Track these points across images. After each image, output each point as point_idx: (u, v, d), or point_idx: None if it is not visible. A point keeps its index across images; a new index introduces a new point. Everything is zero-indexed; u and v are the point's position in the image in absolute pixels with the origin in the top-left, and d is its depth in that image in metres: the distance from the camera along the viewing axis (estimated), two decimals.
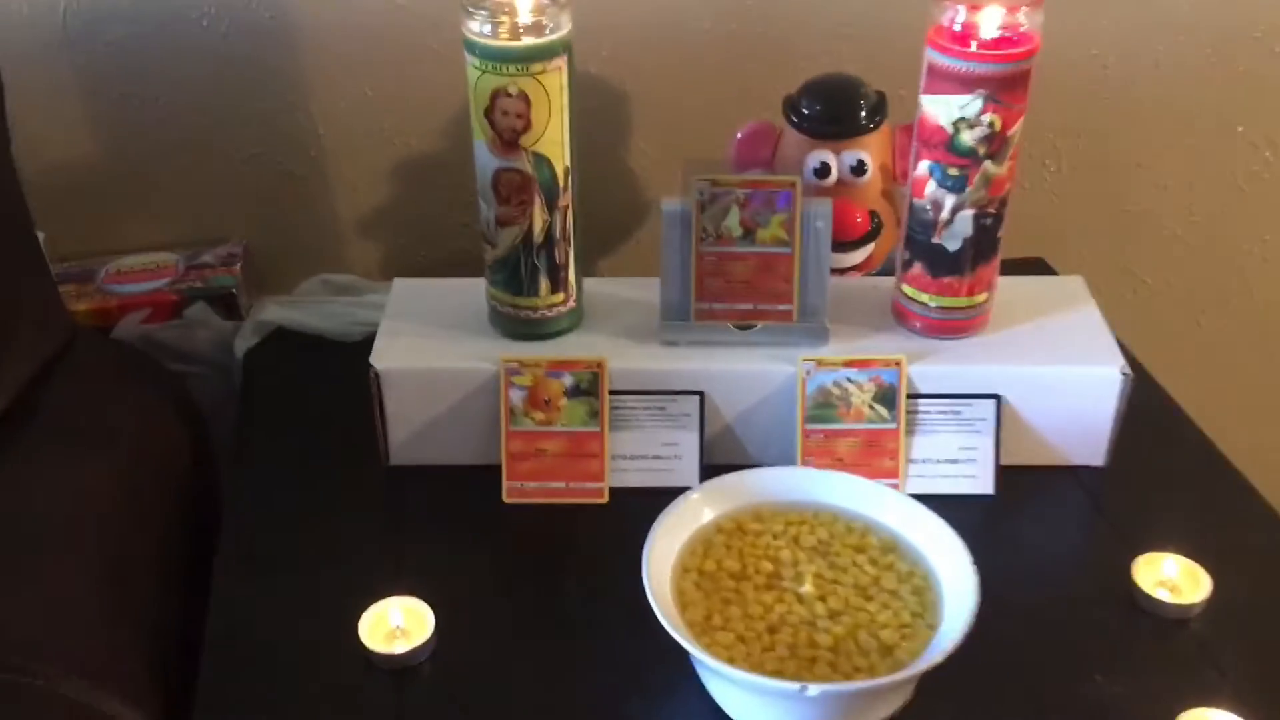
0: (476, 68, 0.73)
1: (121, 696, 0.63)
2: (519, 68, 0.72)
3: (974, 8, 0.72)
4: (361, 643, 0.66)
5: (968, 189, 0.76)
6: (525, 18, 0.72)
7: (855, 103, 0.89)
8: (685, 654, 0.61)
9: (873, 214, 0.91)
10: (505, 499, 0.77)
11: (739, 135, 0.92)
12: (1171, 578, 0.73)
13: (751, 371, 0.79)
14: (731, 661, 0.61)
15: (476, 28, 0.73)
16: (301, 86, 0.99)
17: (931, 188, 0.77)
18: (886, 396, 0.80)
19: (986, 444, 0.80)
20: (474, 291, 0.83)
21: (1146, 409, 0.82)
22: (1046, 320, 0.84)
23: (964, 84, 0.73)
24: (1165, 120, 1.13)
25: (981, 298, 0.81)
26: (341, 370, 0.84)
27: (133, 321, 0.94)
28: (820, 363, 0.79)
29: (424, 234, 1.06)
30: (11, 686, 0.59)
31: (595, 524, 0.77)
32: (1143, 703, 0.65)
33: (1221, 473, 0.83)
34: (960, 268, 0.79)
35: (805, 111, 0.90)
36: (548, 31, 0.72)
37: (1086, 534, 0.80)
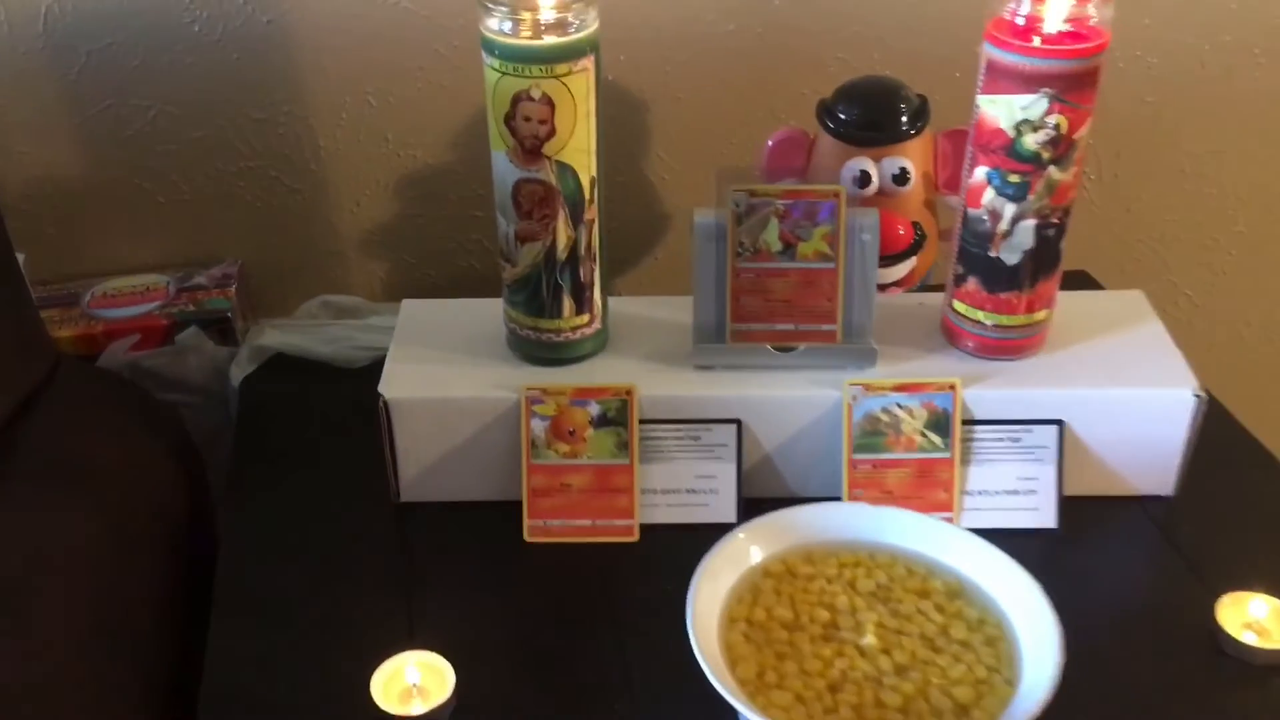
0: (496, 69, 0.68)
1: None
2: (542, 69, 0.67)
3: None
4: (374, 703, 0.62)
5: (1029, 197, 0.71)
6: (548, 14, 0.67)
7: (896, 107, 0.84)
8: (735, 715, 0.56)
9: (915, 225, 0.86)
10: (527, 538, 0.74)
11: (769, 143, 0.88)
12: (1259, 619, 0.67)
13: (792, 397, 0.74)
14: None
15: (495, 25, 0.67)
16: (300, 95, 0.95)
17: (989, 196, 0.72)
18: (940, 423, 0.74)
19: (1048, 473, 0.75)
20: (490, 313, 0.79)
21: (1208, 431, 0.77)
22: (1108, 338, 0.79)
23: (1027, 82, 0.67)
24: (1211, 123, 1.08)
25: (1041, 315, 0.76)
26: (345, 399, 0.81)
27: (120, 349, 0.91)
28: (868, 387, 0.74)
29: (432, 252, 1.03)
30: None
31: (625, 564, 0.73)
32: None
33: None
34: (1019, 282, 0.74)
35: (843, 116, 0.85)
36: (573, 29, 0.67)
37: (1161, 571, 0.74)
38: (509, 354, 0.77)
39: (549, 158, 0.70)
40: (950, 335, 0.78)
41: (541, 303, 0.75)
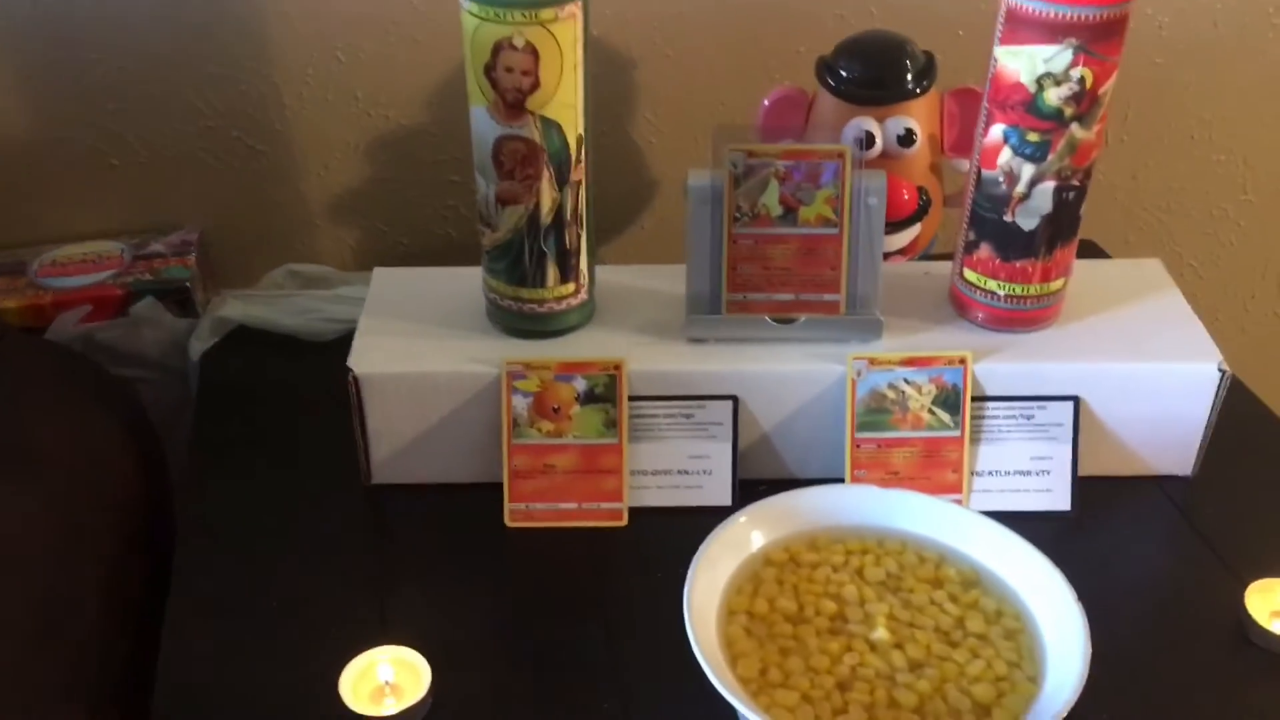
0: (474, 15, 0.64)
1: None
2: (526, 15, 0.63)
3: None
4: (343, 703, 0.58)
5: (1049, 157, 0.67)
6: None
7: (901, 64, 0.81)
8: (735, 716, 0.53)
9: (921, 190, 0.82)
10: (508, 523, 0.71)
11: (766, 102, 0.84)
12: None
13: (792, 372, 0.71)
14: None
15: None
16: (263, 49, 0.91)
17: (1006, 156, 0.67)
18: (949, 399, 0.70)
19: (1063, 452, 0.72)
20: (468, 282, 0.75)
21: (1225, 408, 0.73)
22: (1126, 309, 0.76)
23: (1051, 32, 0.63)
24: (1223, 88, 1.05)
25: (1058, 284, 0.72)
26: (313, 375, 0.78)
27: (70, 320, 0.86)
28: (873, 361, 0.70)
29: (405, 218, 0.99)
30: None
31: (613, 551, 0.70)
32: None
33: None
34: (1035, 249, 0.70)
35: (845, 74, 0.81)
36: None
37: (1182, 556, 0.71)
38: (488, 326, 0.74)
39: (532, 113, 0.66)
40: (959, 306, 0.75)
41: (524, 271, 0.71)
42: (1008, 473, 0.71)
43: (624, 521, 0.70)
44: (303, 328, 0.86)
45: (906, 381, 0.70)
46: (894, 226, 0.81)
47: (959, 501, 0.70)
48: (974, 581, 0.61)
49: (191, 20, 0.88)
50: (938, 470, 0.71)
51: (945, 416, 0.71)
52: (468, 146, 0.69)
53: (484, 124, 0.67)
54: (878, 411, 0.70)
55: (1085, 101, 0.65)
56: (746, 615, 0.58)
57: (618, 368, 0.70)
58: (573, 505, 0.70)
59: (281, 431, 0.78)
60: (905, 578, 0.61)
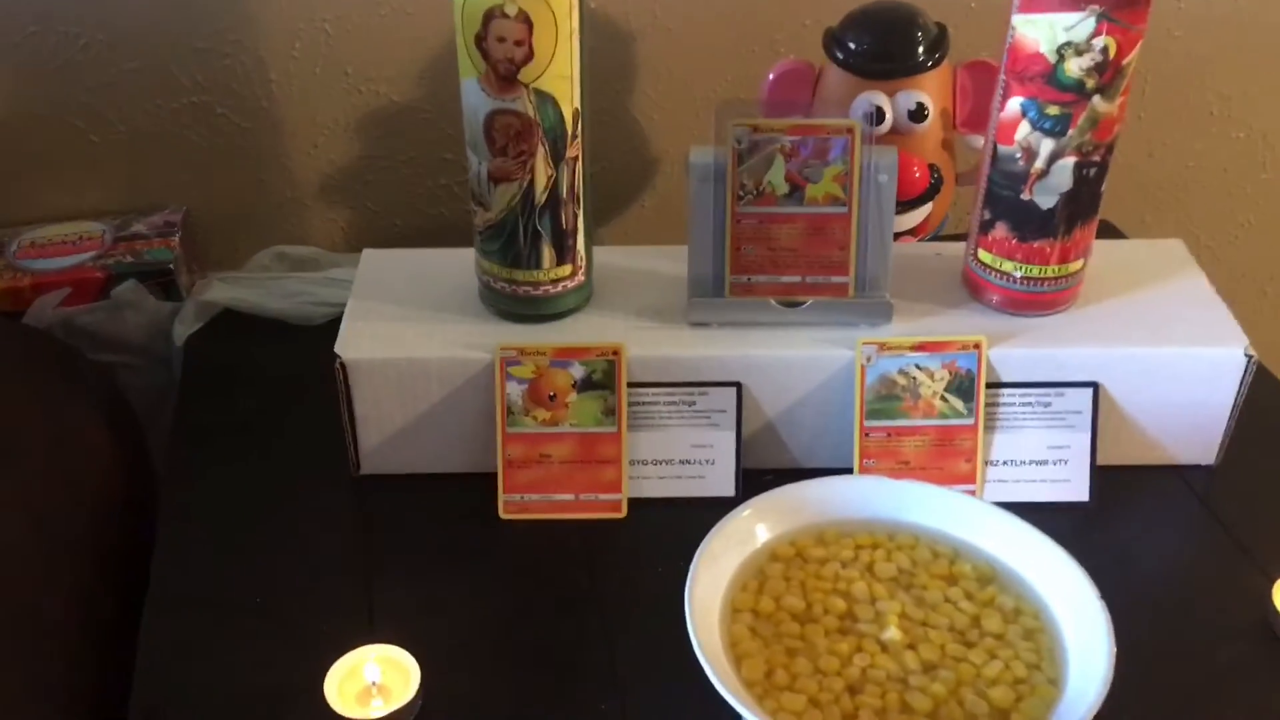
0: None
1: None
2: None
3: None
4: (328, 705, 0.56)
5: (1070, 131, 0.64)
6: None
7: (913, 35, 0.78)
8: None
9: (932, 167, 0.79)
10: (502, 515, 0.69)
11: (770, 76, 0.82)
12: None
13: (799, 358, 0.69)
14: None
15: None
16: (247, 21, 0.88)
17: (1024, 131, 0.64)
18: (962, 386, 0.68)
19: (1081, 441, 0.69)
20: (461, 264, 0.73)
21: (1249, 395, 0.71)
22: (1147, 292, 0.73)
23: None
24: (1243, 61, 1.02)
25: (1076, 265, 0.69)
26: (301, 360, 0.75)
27: (49, 304, 0.85)
28: (883, 346, 0.68)
29: (397, 198, 0.97)
30: None
31: (612, 544, 0.68)
32: None
33: None
34: (1054, 229, 0.67)
35: (853, 46, 0.78)
36: None
37: (1206, 549, 0.69)
38: (482, 309, 0.72)
39: (526, 85, 0.63)
40: (973, 288, 0.72)
41: (518, 251, 0.68)
42: (1023, 462, 0.69)
43: (623, 513, 0.69)
44: (291, 311, 0.85)
45: (918, 367, 0.68)
46: (904, 206, 0.79)
47: (973, 492, 0.68)
48: (990, 578, 0.58)
49: None
50: (950, 460, 0.68)
51: (958, 404, 0.68)
52: (461, 123, 0.66)
53: (475, 97, 0.64)
54: (888, 399, 0.68)
55: (1108, 72, 0.62)
56: (751, 614, 0.56)
57: (616, 353, 0.67)
58: (569, 496, 0.69)
59: (268, 420, 0.76)
60: (918, 574, 0.58)
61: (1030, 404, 0.69)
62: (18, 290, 0.84)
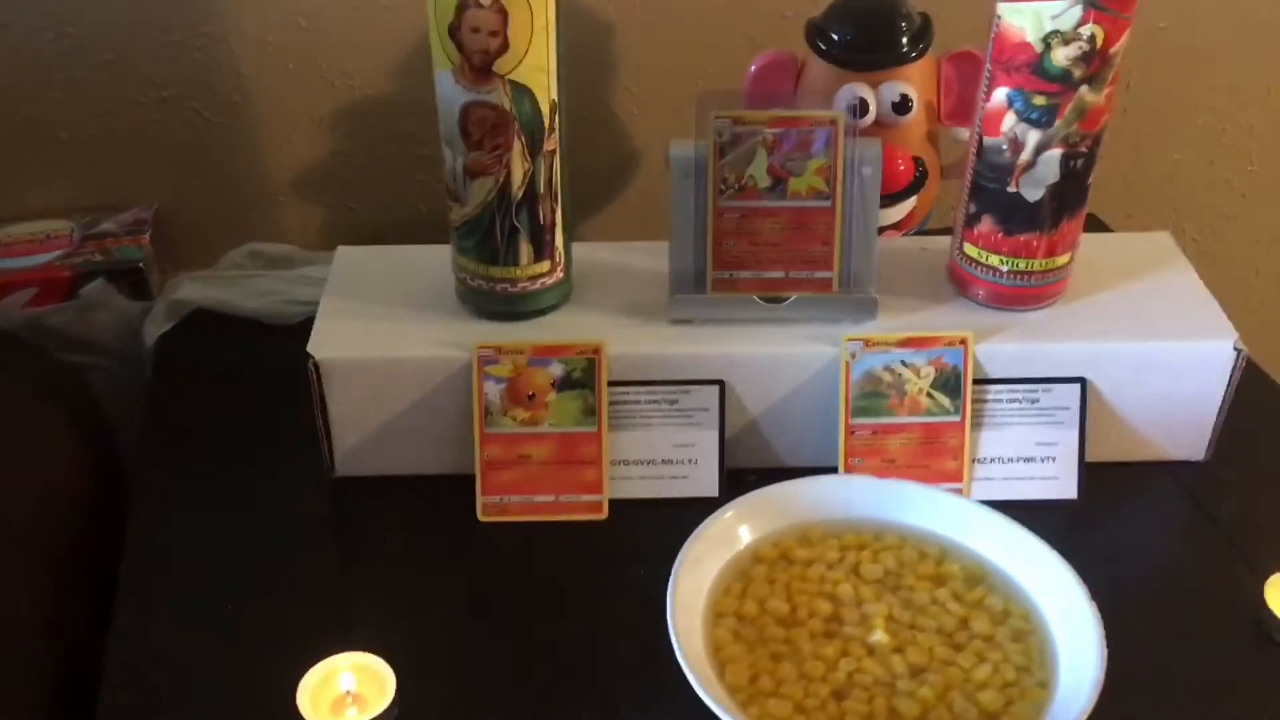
0: None
1: None
2: None
3: None
4: (301, 715, 0.55)
5: (1056, 122, 0.63)
6: None
7: (896, 26, 0.77)
8: None
9: (917, 161, 0.78)
10: (480, 517, 0.68)
11: (752, 68, 0.80)
12: None
13: (782, 355, 0.68)
14: None
15: None
16: (218, 13, 0.87)
17: (1010, 122, 0.63)
18: (949, 382, 0.67)
19: (1069, 438, 0.68)
20: (437, 261, 0.72)
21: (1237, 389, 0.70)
22: (1134, 285, 0.72)
23: None
24: (1230, 53, 1.01)
25: (1063, 259, 0.68)
26: (275, 361, 0.73)
27: (14, 304, 0.83)
28: (868, 342, 0.67)
29: (373, 195, 0.96)
30: None
31: (592, 546, 0.67)
32: None
33: None
34: (1040, 222, 0.66)
35: (835, 37, 0.77)
36: None
37: (1197, 548, 0.68)
38: (459, 308, 0.71)
39: (501, 77, 0.62)
40: (959, 283, 0.71)
41: (495, 248, 0.67)
42: (1011, 460, 0.68)
43: (604, 515, 0.67)
44: (265, 311, 0.83)
45: (904, 363, 0.67)
46: (889, 199, 0.78)
47: (960, 491, 0.67)
48: (979, 578, 0.57)
49: None
50: (937, 458, 0.67)
51: (945, 400, 0.67)
52: (437, 117, 0.65)
53: (449, 90, 0.63)
54: (873, 396, 0.67)
55: (1095, 62, 0.61)
56: (735, 617, 0.55)
57: (597, 351, 0.66)
58: (549, 498, 0.67)
59: (241, 422, 0.75)
60: (905, 575, 0.57)
61: (1017, 400, 0.68)
62: None
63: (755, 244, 0.67)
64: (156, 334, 0.82)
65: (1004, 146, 0.64)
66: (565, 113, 0.65)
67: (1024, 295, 0.69)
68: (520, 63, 0.61)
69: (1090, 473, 0.68)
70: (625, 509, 0.68)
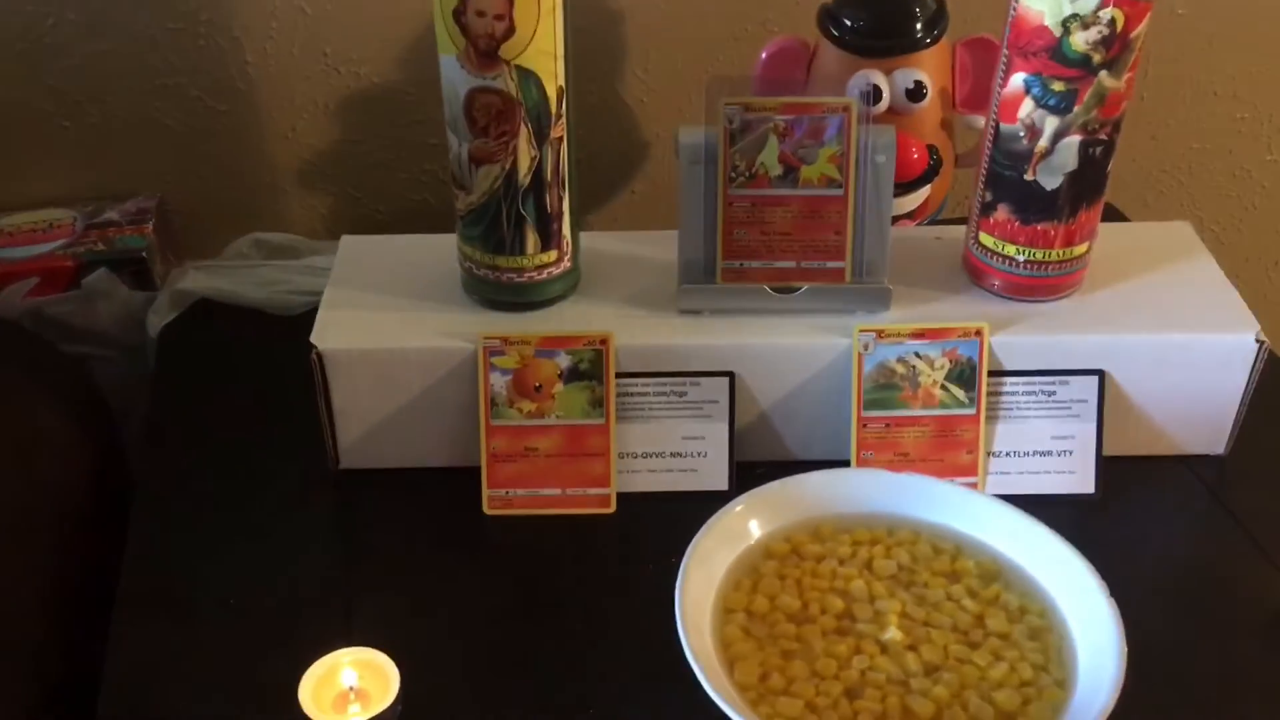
0: None
1: None
2: None
3: None
4: (303, 711, 0.53)
5: (1075, 108, 0.62)
6: None
7: (910, 11, 0.76)
8: None
9: (931, 149, 0.76)
10: (486, 510, 0.67)
11: (763, 55, 0.79)
12: None
13: (794, 346, 0.67)
14: None
15: None
16: (223, 1, 0.86)
17: (1027, 108, 0.62)
18: (963, 374, 0.66)
19: (1087, 431, 0.67)
20: (443, 250, 0.71)
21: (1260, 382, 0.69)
22: (1154, 276, 0.71)
23: None
24: (1249, 40, 0.99)
25: (1081, 249, 0.67)
26: (279, 351, 0.73)
27: (17, 293, 0.83)
28: (881, 333, 0.66)
29: (379, 184, 0.95)
30: None
31: (599, 540, 0.66)
32: None
33: None
34: (1058, 211, 0.65)
35: (848, 23, 0.76)
36: None
37: (1217, 543, 0.66)
38: (464, 298, 0.70)
39: (508, 62, 0.60)
40: (974, 273, 0.70)
41: (501, 237, 0.66)
42: (1027, 453, 0.67)
43: (611, 508, 0.67)
44: (269, 301, 0.83)
45: (917, 355, 0.65)
46: (902, 188, 0.76)
47: (974, 485, 0.66)
48: (994, 575, 0.56)
49: None
50: (951, 451, 0.66)
51: (959, 393, 0.66)
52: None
53: (455, 75, 0.61)
54: (886, 388, 0.66)
55: (1115, 46, 0.59)
56: (745, 613, 0.54)
57: (604, 342, 0.65)
58: (556, 491, 0.67)
59: (244, 413, 0.74)
60: (919, 571, 0.56)
61: (1034, 393, 0.66)
62: None
63: (766, 233, 0.66)
64: (160, 324, 0.82)
65: (1021, 133, 0.63)
66: (573, 99, 0.63)
67: (1041, 286, 0.67)
68: (527, 47, 0.60)
69: (1108, 467, 0.67)
70: (633, 502, 0.67)
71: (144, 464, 0.72)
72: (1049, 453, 0.67)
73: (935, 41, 0.76)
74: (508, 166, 0.63)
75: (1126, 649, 0.50)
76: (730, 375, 0.66)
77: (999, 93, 0.63)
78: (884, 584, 0.55)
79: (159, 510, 0.67)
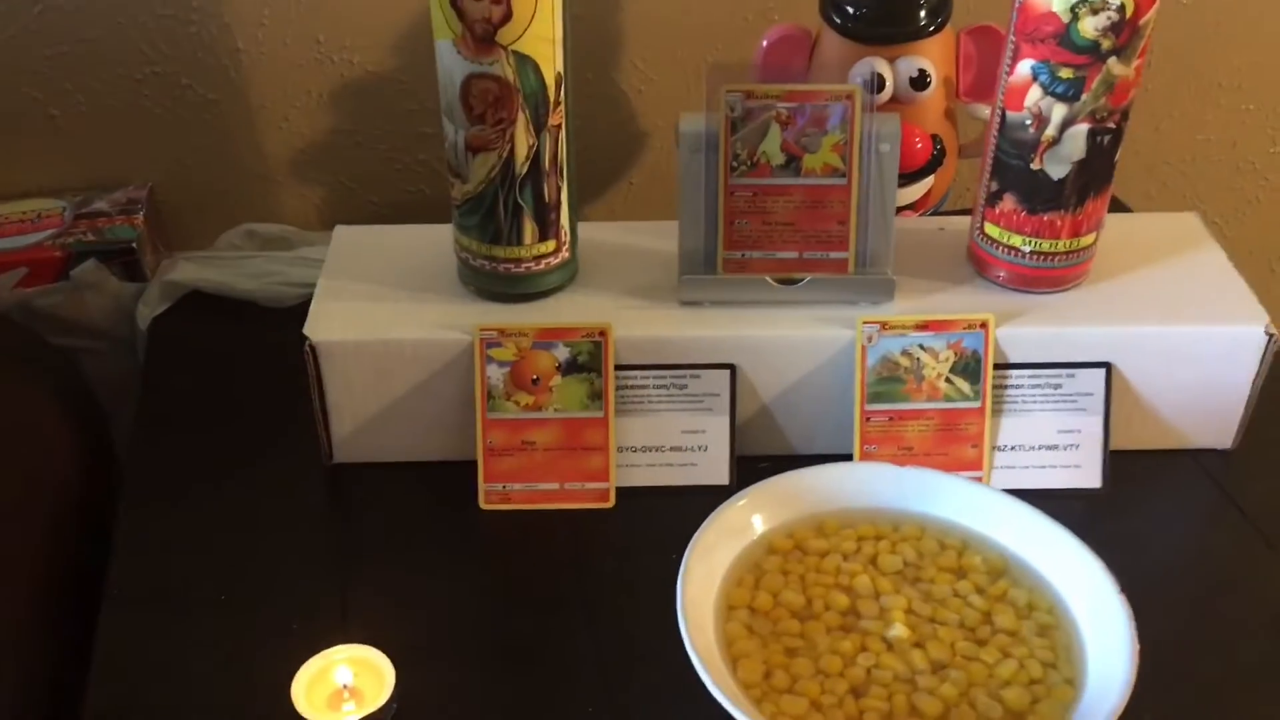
0: None
1: None
2: None
3: None
4: (296, 709, 0.53)
5: (1083, 96, 0.61)
6: None
7: None
8: None
9: (934, 138, 0.75)
10: (483, 505, 0.66)
11: (764, 43, 0.78)
12: None
13: (796, 338, 0.66)
14: None
15: None
16: None
17: (1035, 96, 0.61)
18: (969, 367, 0.65)
19: (1093, 425, 0.66)
20: (438, 240, 0.70)
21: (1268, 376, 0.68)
22: (1161, 267, 0.70)
23: None
24: (1255, 30, 0.98)
25: (1088, 239, 0.66)
26: (272, 344, 0.73)
27: (5, 285, 0.81)
28: (885, 325, 0.65)
29: (373, 174, 0.93)
30: None
31: (598, 535, 0.66)
32: None
33: None
34: (1064, 200, 0.64)
35: (851, 10, 0.75)
36: None
37: (1225, 538, 0.66)
38: (461, 289, 0.69)
39: (505, 47, 0.59)
40: (979, 264, 0.69)
41: (498, 227, 0.65)
42: (1033, 447, 0.66)
43: (610, 503, 0.66)
44: (261, 292, 0.82)
45: (922, 347, 0.64)
46: (905, 179, 0.75)
47: (979, 479, 0.65)
48: (1002, 570, 0.55)
49: None
50: (956, 445, 0.65)
51: (964, 386, 0.65)
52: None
53: (451, 60, 0.60)
54: (890, 381, 0.65)
55: (1125, 32, 0.58)
56: (748, 610, 0.53)
57: (603, 334, 0.64)
58: (554, 485, 0.66)
59: (236, 407, 0.74)
60: (925, 567, 0.55)
61: (1040, 386, 0.65)
62: None
63: (768, 223, 0.65)
64: (150, 316, 0.81)
65: (1027, 121, 0.62)
66: (571, 85, 0.62)
67: (1047, 277, 0.66)
68: (525, 32, 0.59)
69: (1114, 461, 0.66)
70: (632, 497, 0.66)
71: (134, 459, 0.71)
72: (1055, 447, 0.66)
73: (939, 29, 0.74)
74: (505, 154, 0.62)
75: (1139, 647, 0.49)
76: (731, 368, 0.65)
77: (1005, 80, 0.62)
78: (889, 580, 0.54)
79: (149, 506, 0.66)
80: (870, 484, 0.58)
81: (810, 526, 0.57)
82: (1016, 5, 0.61)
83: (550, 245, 0.66)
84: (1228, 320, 0.65)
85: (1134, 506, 0.66)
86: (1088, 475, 0.66)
